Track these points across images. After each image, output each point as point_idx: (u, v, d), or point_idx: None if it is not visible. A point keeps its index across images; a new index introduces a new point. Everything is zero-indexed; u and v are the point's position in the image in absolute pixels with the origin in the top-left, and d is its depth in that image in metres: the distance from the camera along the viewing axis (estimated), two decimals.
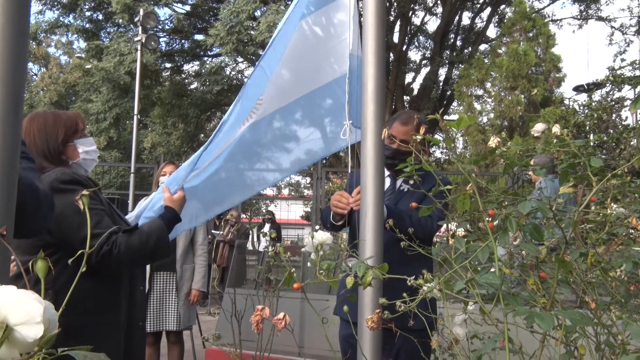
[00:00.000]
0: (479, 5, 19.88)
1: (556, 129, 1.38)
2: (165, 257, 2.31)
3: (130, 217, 2.79)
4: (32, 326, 0.60)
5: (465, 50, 19.06)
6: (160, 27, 17.85)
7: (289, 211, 24.37)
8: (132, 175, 10.14)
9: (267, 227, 12.88)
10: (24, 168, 1.62)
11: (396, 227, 1.82)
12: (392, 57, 17.79)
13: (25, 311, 0.61)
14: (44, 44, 28.76)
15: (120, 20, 16.66)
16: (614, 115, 9.62)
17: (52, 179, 2.06)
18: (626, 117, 9.77)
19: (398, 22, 18.41)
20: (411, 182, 2.65)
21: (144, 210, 2.76)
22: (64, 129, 2.23)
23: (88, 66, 18.63)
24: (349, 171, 3.02)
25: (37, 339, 0.61)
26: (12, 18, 0.89)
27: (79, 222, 2.01)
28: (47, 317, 0.62)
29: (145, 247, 2.13)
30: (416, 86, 20.15)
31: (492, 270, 1.19)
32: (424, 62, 20.90)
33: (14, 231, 1.38)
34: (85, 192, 0.85)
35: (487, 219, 1.29)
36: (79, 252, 0.81)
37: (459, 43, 20.20)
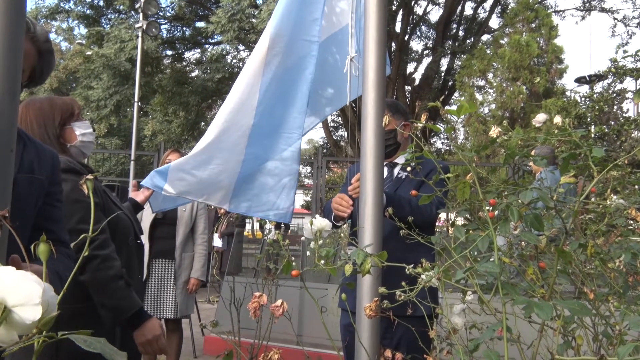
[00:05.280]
0: None
1: (558, 119, 1.38)
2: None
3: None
4: (31, 308, 0.60)
5: (468, 41, 18.98)
6: (161, 13, 17.79)
7: None
8: (132, 162, 10.13)
9: None
10: (54, 196, 1.63)
11: (396, 214, 1.82)
12: (394, 47, 17.72)
13: (24, 293, 0.60)
14: None
15: (121, 7, 16.59)
16: (615, 107, 9.60)
17: None
18: (627, 109, 9.76)
19: (400, 12, 18.31)
20: (409, 169, 2.68)
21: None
22: (60, 112, 2.22)
23: (89, 53, 18.57)
24: (349, 162, 3.04)
25: (36, 320, 0.60)
26: (8, 1, 0.89)
27: (68, 213, 2.00)
28: (46, 299, 0.61)
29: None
30: (418, 76, 20.12)
31: (492, 259, 1.19)
32: (426, 52, 20.84)
33: None
34: (89, 176, 0.84)
35: (487, 208, 1.29)
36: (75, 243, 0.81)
37: (461, 33, 20.11)
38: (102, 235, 2.09)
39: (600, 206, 1.52)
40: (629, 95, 9.53)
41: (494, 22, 20.24)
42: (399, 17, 18.39)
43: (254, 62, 2.92)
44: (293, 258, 1.85)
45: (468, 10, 20.24)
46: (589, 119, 9.53)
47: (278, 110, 3.00)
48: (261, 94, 2.91)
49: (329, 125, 21.74)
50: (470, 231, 1.38)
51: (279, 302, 1.27)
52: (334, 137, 22.82)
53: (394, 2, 17.28)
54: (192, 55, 20.82)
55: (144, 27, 10.69)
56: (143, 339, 2.14)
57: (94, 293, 2.06)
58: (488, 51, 14.99)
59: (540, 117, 1.49)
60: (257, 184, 3.07)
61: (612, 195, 1.54)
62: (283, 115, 3.02)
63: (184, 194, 3.03)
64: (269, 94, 2.93)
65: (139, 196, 3.12)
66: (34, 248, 0.74)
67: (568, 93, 13.23)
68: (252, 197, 3.09)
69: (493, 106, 14.18)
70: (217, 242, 10.27)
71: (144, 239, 3.48)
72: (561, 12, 20.42)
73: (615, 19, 19.08)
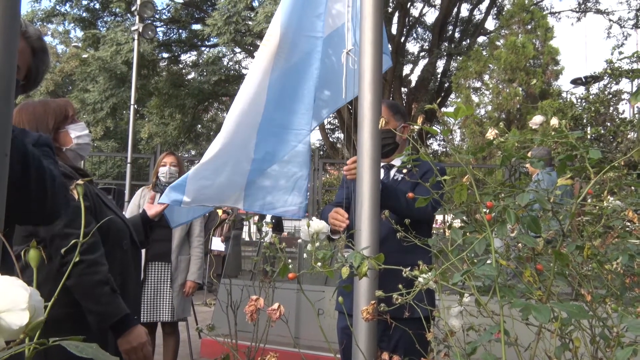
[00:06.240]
0: None
1: (554, 121, 1.38)
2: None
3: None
4: (17, 313, 0.59)
5: (464, 42, 19.01)
6: (157, 16, 17.76)
7: None
8: (128, 165, 10.12)
9: (268, 217, 12.77)
10: (44, 154, 1.63)
11: (391, 206, 1.81)
12: (390, 49, 17.71)
13: (10, 298, 0.59)
14: None
15: (117, 9, 16.60)
16: (611, 108, 9.62)
17: None
18: (623, 110, 9.80)
19: (396, 14, 18.33)
20: (405, 170, 2.68)
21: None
22: (54, 116, 2.20)
23: (85, 55, 18.56)
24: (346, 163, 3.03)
25: (23, 326, 0.59)
26: (2, 4, 0.88)
27: None
28: (33, 304, 0.61)
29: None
30: (414, 78, 20.15)
31: (489, 262, 1.18)
32: (422, 53, 20.86)
33: (26, 217, 1.46)
34: (80, 181, 0.83)
35: (484, 210, 1.29)
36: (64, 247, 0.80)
37: (457, 35, 20.14)
38: (89, 239, 2.06)
39: (597, 208, 1.52)
40: (625, 96, 9.57)
41: (490, 24, 20.26)
42: (395, 19, 18.41)
43: (263, 60, 2.90)
44: (290, 260, 1.85)
45: (464, 12, 20.31)
46: (585, 121, 9.55)
47: (285, 107, 3.00)
48: (269, 92, 2.91)
49: (326, 127, 21.74)
50: (467, 233, 1.38)
51: (275, 306, 1.27)
52: (331, 139, 22.82)
53: (390, 4, 17.30)
54: (188, 57, 20.81)
55: (140, 30, 10.67)
56: (128, 346, 2.08)
57: (79, 298, 2.02)
58: (484, 53, 15.02)
59: (537, 119, 1.49)
60: (268, 182, 3.07)
61: (608, 196, 1.54)
62: (291, 112, 3.01)
63: (203, 201, 3.03)
64: (276, 91, 2.93)
65: (150, 209, 3.03)
66: (24, 254, 0.74)
67: (564, 94, 13.26)
68: (265, 195, 3.09)
69: (489, 108, 14.22)
70: (219, 245, 10.22)
71: None
72: (557, 14, 20.49)
73: (610, 20, 19.15)
